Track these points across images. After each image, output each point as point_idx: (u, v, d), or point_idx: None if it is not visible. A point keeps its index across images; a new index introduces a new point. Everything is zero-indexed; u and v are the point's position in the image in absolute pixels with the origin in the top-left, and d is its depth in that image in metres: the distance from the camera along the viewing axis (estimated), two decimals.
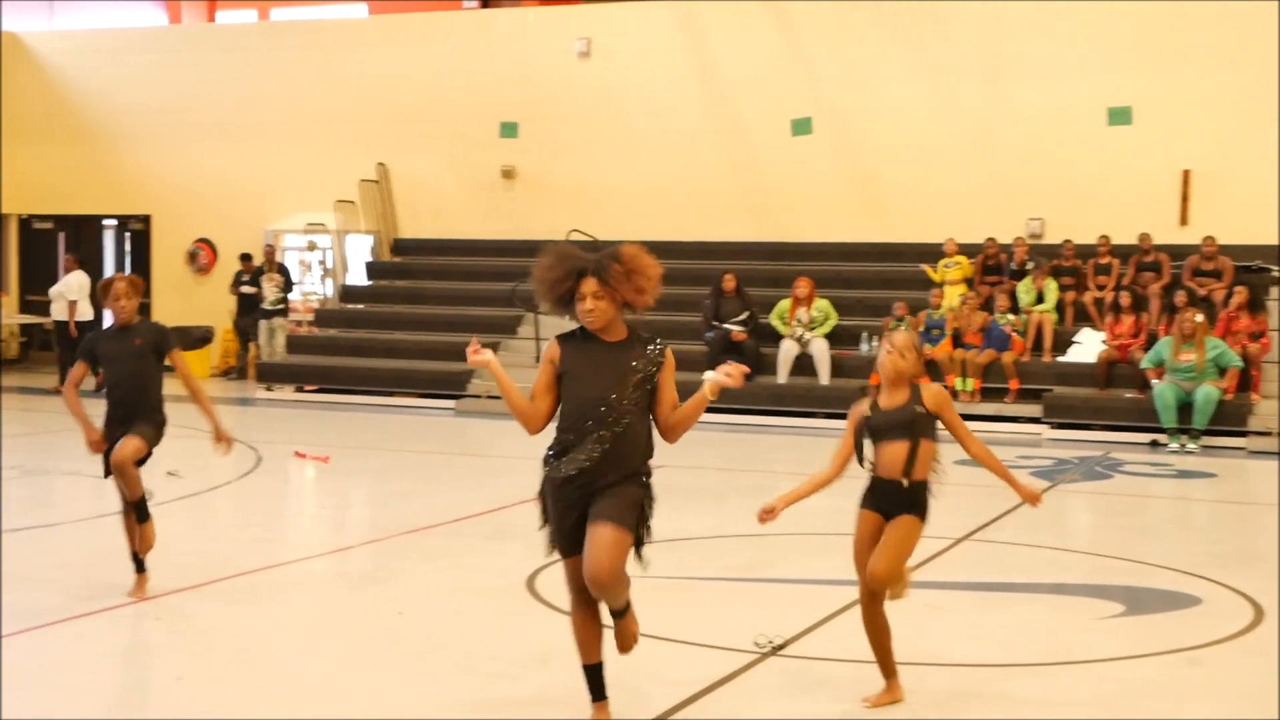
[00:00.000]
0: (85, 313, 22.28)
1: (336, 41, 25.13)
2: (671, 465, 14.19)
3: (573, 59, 23.53)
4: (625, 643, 6.23)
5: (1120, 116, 19.96)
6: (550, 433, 6.09)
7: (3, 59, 26.41)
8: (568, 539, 6.02)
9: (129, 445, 8.40)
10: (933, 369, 6.37)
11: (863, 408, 6.71)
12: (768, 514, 6.49)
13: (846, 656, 7.44)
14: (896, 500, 6.57)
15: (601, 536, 5.85)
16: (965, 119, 21.55)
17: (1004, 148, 21.36)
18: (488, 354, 5.97)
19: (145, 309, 25.59)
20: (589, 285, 5.86)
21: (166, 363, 8.69)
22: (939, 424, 6.62)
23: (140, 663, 7.70)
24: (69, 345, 21.77)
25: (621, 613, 6.12)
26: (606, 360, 5.94)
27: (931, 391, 6.64)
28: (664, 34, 23.13)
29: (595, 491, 5.91)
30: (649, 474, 6.07)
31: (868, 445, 6.63)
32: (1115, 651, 7.82)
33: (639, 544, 6.07)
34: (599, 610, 6.14)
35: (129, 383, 8.48)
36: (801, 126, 21.45)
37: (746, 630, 7.86)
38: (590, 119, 23.35)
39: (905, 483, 6.53)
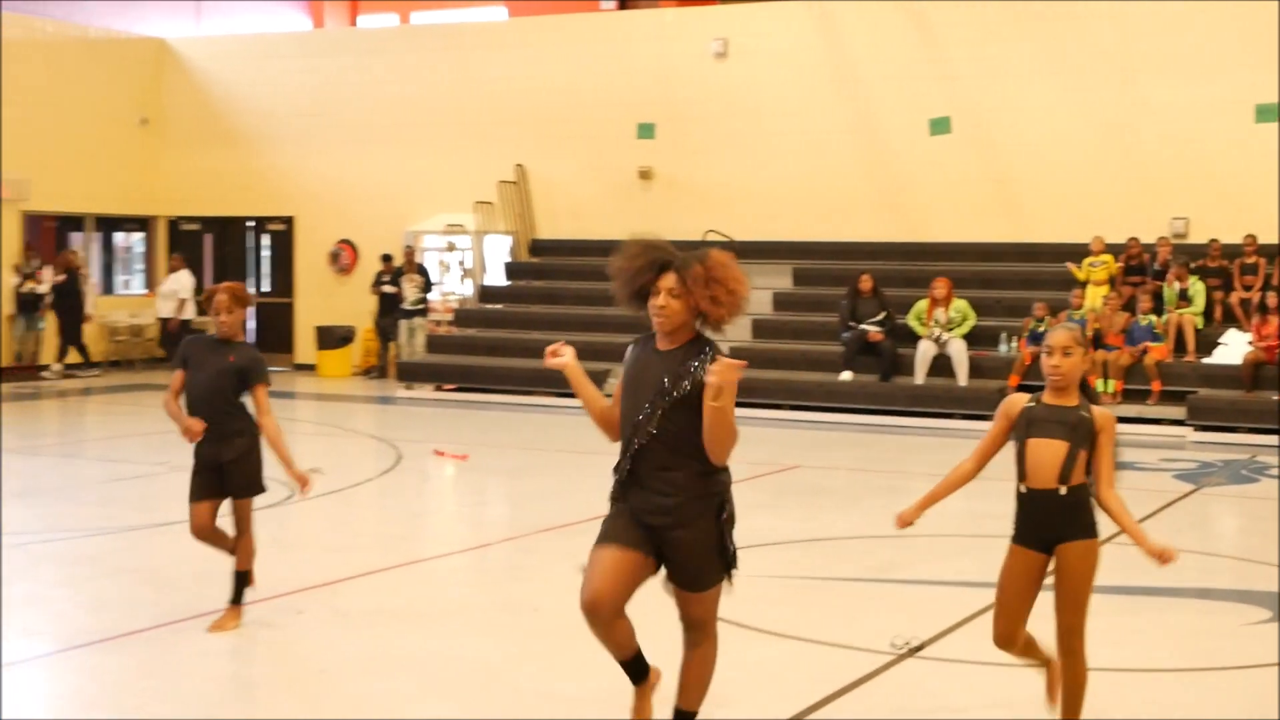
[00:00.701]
0: (190, 312, 23.07)
1: (476, 44, 25.37)
2: (807, 465, 14.22)
3: (710, 60, 23.54)
4: (689, 679, 5.83)
5: (1268, 114, 19.56)
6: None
7: (151, 64, 27.01)
8: (616, 529, 5.59)
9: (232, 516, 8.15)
10: (1086, 391, 5.64)
11: (1022, 400, 5.94)
12: (904, 522, 6.09)
13: (984, 659, 7.37)
14: (1056, 517, 5.78)
15: (695, 605, 5.65)
16: (1105, 117, 21.20)
17: (1146, 146, 20.97)
18: (567, 355, 5.71)
19: (288, 310, 26.16)
20: (668, 280, 5.43)
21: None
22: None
23: (283, 655, 7.83)
24: (172, 343, 22.54)
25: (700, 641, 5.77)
26: (652, 369, 5.51)
27: (1103, 412, 5.85)
28: (801, 34, 23.04)
29: (658, 534, 5.52)
30: (719, 486, 5.56)
31: (1019, 445, 5.87)
32: (1262, 658, 7.69)
33: (729, 569, 5.65)
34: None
35: (202, 397, 8.02)
36: (940, 126, 21.30)
37: (883, 631, 7.84)
38: (727, 119, 23.34)
39: (1062, 490, 5.73)
